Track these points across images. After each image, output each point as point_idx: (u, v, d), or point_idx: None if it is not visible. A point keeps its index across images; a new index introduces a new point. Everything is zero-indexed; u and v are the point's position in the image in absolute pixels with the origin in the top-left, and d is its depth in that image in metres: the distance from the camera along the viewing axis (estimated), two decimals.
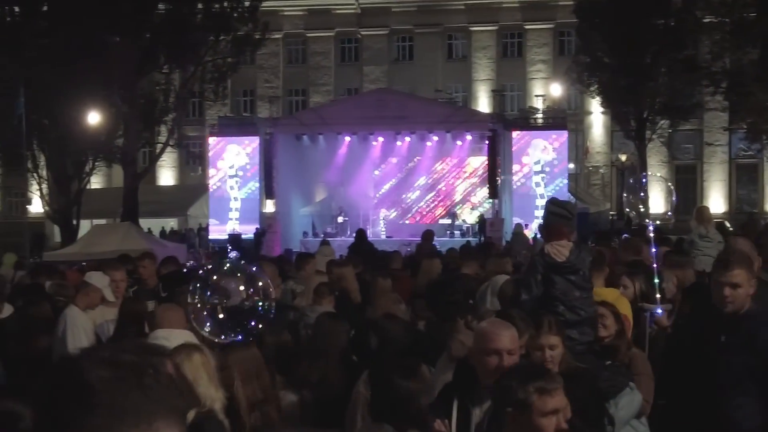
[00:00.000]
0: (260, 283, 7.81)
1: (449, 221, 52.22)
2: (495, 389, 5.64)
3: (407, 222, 54.15)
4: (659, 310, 9.89)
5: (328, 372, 8.17)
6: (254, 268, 8.13)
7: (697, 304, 8.33)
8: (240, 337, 7.49)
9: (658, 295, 10.03)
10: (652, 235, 10.72)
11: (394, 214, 54.50)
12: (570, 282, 8.98)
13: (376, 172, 55.12)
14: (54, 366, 2.50)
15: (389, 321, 8.73)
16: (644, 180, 11.94)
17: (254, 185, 53.47)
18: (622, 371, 7.97)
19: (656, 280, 10.06)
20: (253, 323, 7.61)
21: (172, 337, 7.76)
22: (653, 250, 10.46)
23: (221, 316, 7.65)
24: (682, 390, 7.65)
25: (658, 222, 11.67)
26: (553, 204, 9.90)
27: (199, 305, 7.68)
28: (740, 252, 9.16)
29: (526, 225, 45.68)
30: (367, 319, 9.85)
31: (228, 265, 8.08)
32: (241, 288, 7.65)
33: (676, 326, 9.32)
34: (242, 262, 8.37)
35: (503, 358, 6.15)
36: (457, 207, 53.84)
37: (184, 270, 23.42)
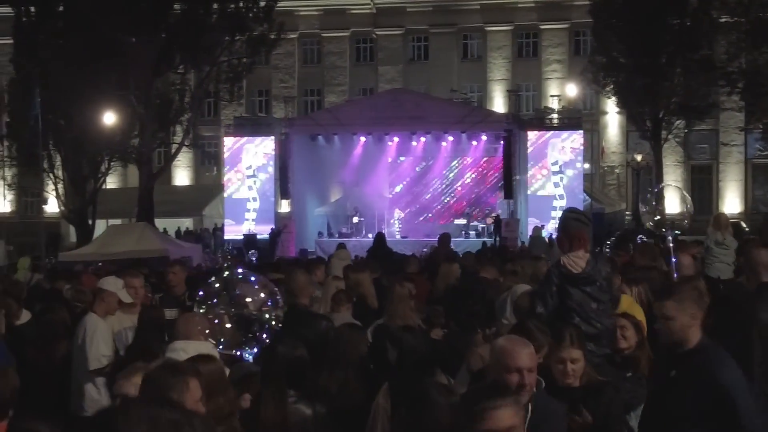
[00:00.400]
0: (262, 294, 7.76)
1: (464, 221, 52.12)
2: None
3: (422, 222, 54.11)
4: None
5: (348, 382, 8.14)
6: (253, 278, 8.05)
7: (721, 316, 8.16)
8: (255, 350, 7.45)
9: None
10: (671, 245, 10.64)
11: (408, 213, 54.36)
12: (586, 294, 8.91)
13: (392, 171, 55.11)
14: (90, 422, 2.47)
15: (407, 332, 8.70)
16: (657, 189, 11.86)
17: (270, 186, 53.43)
18: (643, 383, 7.94)
19: None
20: (265, 336, 7.56)
21: (190, 348, 7.74)
22: (673, 260, 10.40)
23: (229, 326, 7.60)
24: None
25: (677, 232, 11.55)
26: (572, 212, 9.84)
27: (209, 316, 7.64)
28: (679, 282, 8.98)
29: (542, 225, 45.57)
30: (385, 331, 9.80)
31: (227, 274, 8.01)
32: (248, 300, 7.59)
33: None
34: (241, 270, 8.23)
35: (524, 376, 6.15)
36: (472, 208, 53.61)
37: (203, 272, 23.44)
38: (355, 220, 51.69)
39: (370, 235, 48.16)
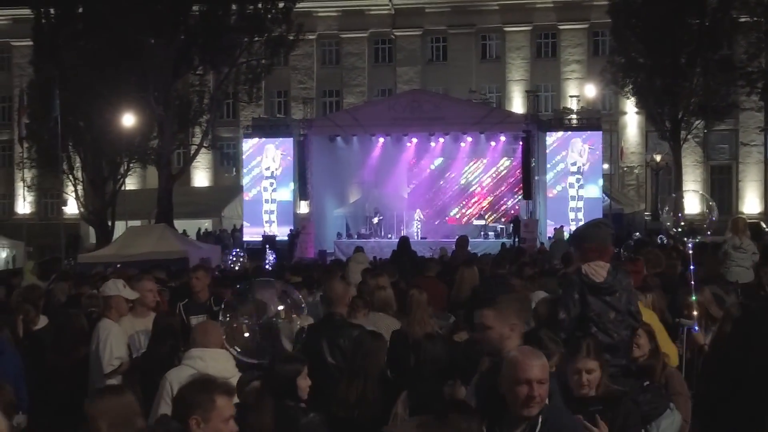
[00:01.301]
0: (290, 300, 7.74)
1: (483, 222, 52.07)
2: None
3: (441, 223, 54.08)
4: (696, 327, 9.82)
5: (367, 391, 8.12)
6: (279, 287, 8.02)
7: (740, 323, 8.02)
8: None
9: (695, 312, 9.95)
10: (691, 252, 10.54)
11: (427, 214, 54.28)
12: (606, 303, 8.79)
13: (410, 172, 55.13)
14: None
15: (428, 341, 8.68)
16: (675, 196, 11.86)
17: (288, 187, 53.48)
18: (662, 393, 7.89)
19: (693, 297, 9.99)
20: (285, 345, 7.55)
21: (206, 356, 7.77)
22: (691, 267, 10.32)
23: (248, 335, 7.58)
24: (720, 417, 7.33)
25: (699, 239, 11.49)
26: (605, 225, 9.69)
27: (232, 324, 7.63)
28: (502, 293, 8.79)
29: (561, 226, 45.46)
30: (404, 338, 9.78)
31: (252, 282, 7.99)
32: (280, 307, 7.57)
33: (715, 347, 9.04)
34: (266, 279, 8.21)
35: (534, 388, 6.09)
36: (488, 216, 53.41)
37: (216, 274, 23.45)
38: (375, 220, 51.66)
39: (390, 236, 48.20)
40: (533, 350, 6.43)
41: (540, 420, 6.09)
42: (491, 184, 54.53)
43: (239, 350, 7.54)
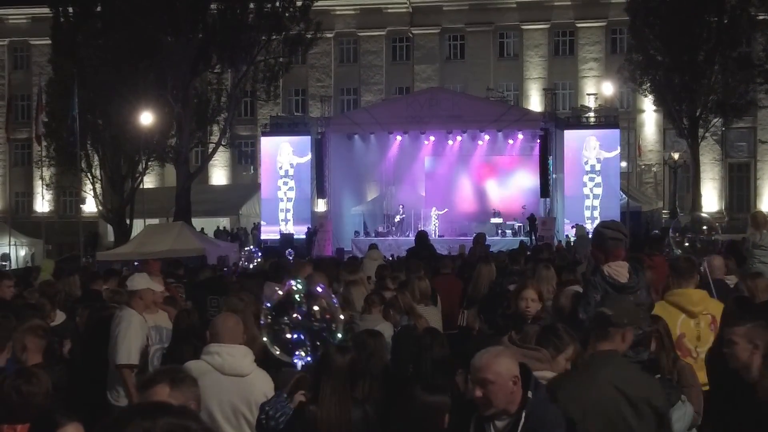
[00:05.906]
0: (325, 303, 7.71)
1: (500, 220, 51.99)
2: None
3: (458, 221, 54.01)
4: None
5: (372, 390, 8.11)
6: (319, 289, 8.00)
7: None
8: (309, 359, 7.41)
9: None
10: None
11: (445, 212, 54.25)
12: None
13: (428, 170, 55.13)
14: None
15: (429, 336, 8.72)
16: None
17: (306, 184, 53.57)
18: (674, 385, 7.93)
19: None
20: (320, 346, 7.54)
21: (223, 351, 7.80)
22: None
23: (289, 336, 7.54)
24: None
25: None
26: (606, 228, 9.58)
27: (272, 325, 7.60)
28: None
29: (581, 224, 45.37)
30: (410, 334, 9.82)
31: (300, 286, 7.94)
32: (315, 308, 7.53)
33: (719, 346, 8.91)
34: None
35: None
36: (505, 213, 53.16)
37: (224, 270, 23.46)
38: (397, 219, 51.65)
39: (408, 234, 48.27)
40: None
41: (523, 414, 6.07)
42: (508, 181, 54.44)
43: (279, 351, 7.49)
